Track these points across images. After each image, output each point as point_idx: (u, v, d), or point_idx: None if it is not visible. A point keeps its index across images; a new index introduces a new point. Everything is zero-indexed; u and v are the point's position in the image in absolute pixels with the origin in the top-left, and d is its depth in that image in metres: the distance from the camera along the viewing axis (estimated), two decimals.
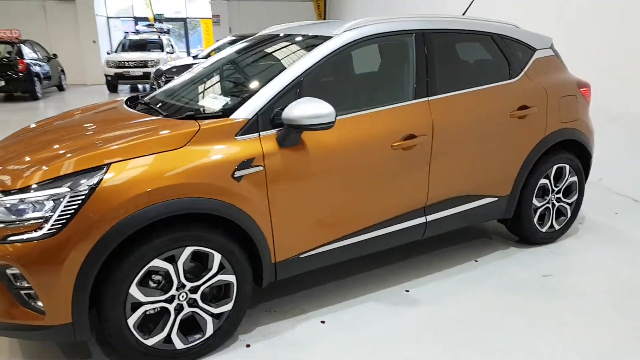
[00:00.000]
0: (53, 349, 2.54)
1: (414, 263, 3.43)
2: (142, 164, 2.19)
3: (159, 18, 18.99)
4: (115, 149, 2.22)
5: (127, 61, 14.13)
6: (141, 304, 2.26)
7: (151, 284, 2.30)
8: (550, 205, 3.65)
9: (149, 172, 2.18)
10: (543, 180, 3.54)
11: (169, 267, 2.28)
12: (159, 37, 16.02)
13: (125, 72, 14.08)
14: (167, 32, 17.77)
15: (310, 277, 3.22)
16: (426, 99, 2.96)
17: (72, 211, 2.06)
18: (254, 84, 2.71)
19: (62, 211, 2.05)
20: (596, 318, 2.79)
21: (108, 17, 18.22)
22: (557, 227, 3.73)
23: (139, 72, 14.06)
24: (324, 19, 18.56)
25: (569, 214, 3.77)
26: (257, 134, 2.45)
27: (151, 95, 3.27)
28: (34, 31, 15.75)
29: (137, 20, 19.39)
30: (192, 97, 2.98)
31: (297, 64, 2.64)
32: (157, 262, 2.24)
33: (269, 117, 2.49)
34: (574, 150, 3.68)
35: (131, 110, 2.88)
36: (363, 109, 2.82)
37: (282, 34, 3.27)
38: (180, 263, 2.29)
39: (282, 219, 2.52)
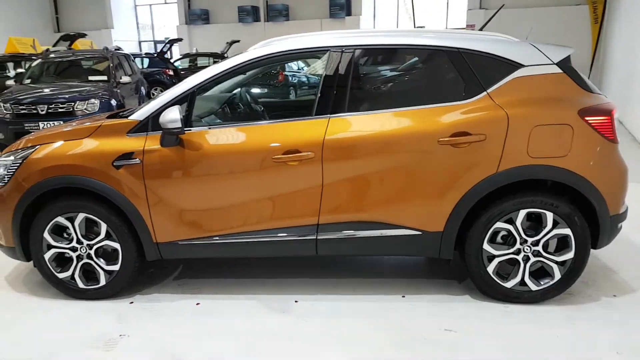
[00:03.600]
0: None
1: (339, 282, 3.36)
2: (55, 147, 3.08)
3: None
4: (47, 135, 3.19)
5: None
6: (52, 246, 3.15)
7: (65, 235, 3.17)
8: (520, 258, 2.96)
9: (56, 152, 3.05)
10: (501, 225, 2.92)
11: (68, 224, 3.10)
12: None
13: None
14: None
15: (239, 267, 3.58)
16: (327, 117, 2.94)
17: (12, 174, 3.09)
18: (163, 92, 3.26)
19: (7, 172, 3.10)
20: None
21: None
22: (533, 287, 2.98)
23: None
24: (601, 24, 16.13)
25: (558, 275, 2.96)
26: (146, 133, 3.02)
27: None
28: None
29: None
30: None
31: (197, 75, 3.07)
32: (60, 219, 3.10)
33: None
34: (569, 196, 2.89)
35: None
36: (255, 121, 3.04)
37: None
38: (76, 223, 3.09)
39: (159, 206, 3.03)
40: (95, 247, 3.13)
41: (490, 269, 3.00)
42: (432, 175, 2.89)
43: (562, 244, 2.96)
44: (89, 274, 3.21)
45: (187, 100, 3.03)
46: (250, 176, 2.96)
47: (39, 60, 8.78)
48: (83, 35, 12.74)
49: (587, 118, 2.82)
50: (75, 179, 3.02)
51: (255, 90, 3.60)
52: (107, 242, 3.12)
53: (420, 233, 2.98)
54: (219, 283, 3.41)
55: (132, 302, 3.19)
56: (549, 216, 2.89)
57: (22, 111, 7.22)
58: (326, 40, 3.04)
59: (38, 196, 3.07)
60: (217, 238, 3.06)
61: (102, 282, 3.19)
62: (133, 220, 3.04)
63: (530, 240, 2.94)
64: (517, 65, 2.91)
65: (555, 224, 2.90)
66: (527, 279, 2.99)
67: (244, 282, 3.41)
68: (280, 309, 3.05)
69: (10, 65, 11.18)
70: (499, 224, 2.93)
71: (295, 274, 3.50)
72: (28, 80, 8.31)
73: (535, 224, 2.96)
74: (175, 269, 3.65)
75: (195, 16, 21.21)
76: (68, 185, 3.04)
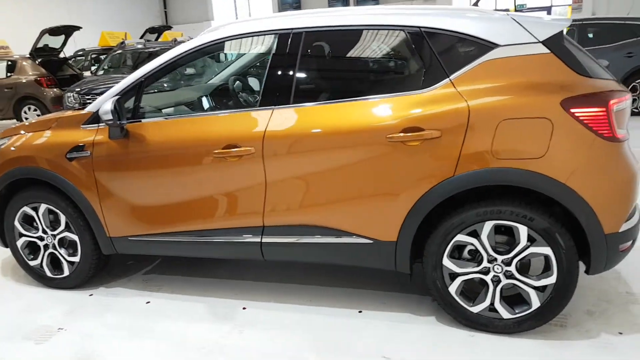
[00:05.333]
0: None
1: (299, 288, 3.08)
2: (21, 139, 3.15)
3: (520, 9, 18.22)
4: (19, 126, 3.26)
5: None
6: (22, 234, 3.25)
7: (35, 224, 3.25)
8: (489, 279, 2.47)
9: (20, 144, 3.13)
10: (463, 238, 2.45)
11: (34, 214, 3.17)
12: None
13: None
14: None
15: (212, 264, 3.45)
16: (271, 108, 2.66)
17: None
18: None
19: None
20: None
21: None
22: (505, 315, 2.47)
23: None
24: None
25: (537, 303, 2.42)
26: (97, 125, 2.97)
27: None
28: None
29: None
30: None
31: (146, 65, 2.94)
32: (26, 209, 3.18)
33: None
34: (558, 209, 2.34)
35: None
36: (201, 112, 2.86)
37: None
38: (40, 214, 3.15)
39: (108, 200, 2.97)
40: (58, 237, 3.17)
41: (453, 288, 2.53)
42: (382, 176, 2.49)
43: (546, 265, 2.42)
44: (57, 263, 3.27)
45: (135, 90, 2.92)
46: (191, 172, 2.78)
47: (115, 53, 9.37)
48: (168, 28, 13.41)
49: (573, 110, 2.24)
50: (33, 170, 3.06)
51: (222, 80, 3.39)
52: (66, 233, 3.14)
53: (371, 242, 2.60)
54: (183, 281, 3.30)
55: (91, 295, 3.20)
56: (522, 231, 2.36)
57: (88, 101, 7.74)
58: (275, 22, 2.74)
59: (13, 185, 3.17)
60: (164, 236, 2.93)
61: (66, 272, 3.22)
62: (86, 213, 3.02)
63: (500, 258, 2.43)
64: (491, 46, 2.39)
65: (531, 241, 2.37)
66: (497, 304, 2.48)
67: (208, 282, 3.26)
68: (223, 316, 2.85)
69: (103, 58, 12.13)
70: (461, 237, 2.45)
71: (259, 276, 3.28)
72: (101, 72, 8.91)
73: (511, 238, 2.44)
74: (150, 262, 3.61)
75: (287, 5, 21.47)
76: (29, 177, 3.10)
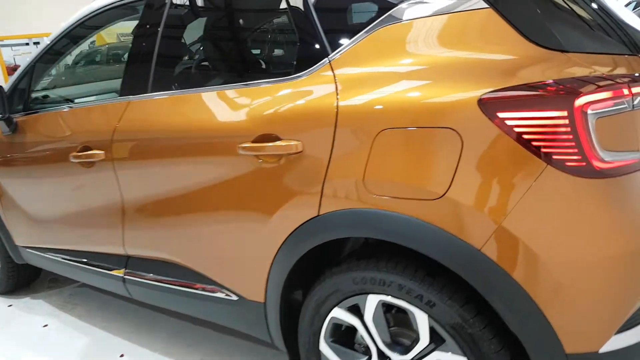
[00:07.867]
0: None
1: (210, 336, 2.39)
2: None
3: None
4: None
5: None
6: None
7: None
8: None
9: None
10: (341, 314, 1.53)
11: None
12: None
13: None
14: None
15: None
16: (127, 99, 2.00)
17: None
18: None
19: None
20: None
21: None
22: None
23: None
24: None
25: None
26: None
27: None
28: None
29: None
30: None
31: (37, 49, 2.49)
32: None
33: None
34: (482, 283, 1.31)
35: None
36: (73, 104, 2.36)
37: None
38: None
39: (7, 205, 2.62)
40: None
41: None
42: (238, 205, 1.68)
43: None
44: None
45: (28, 78, 2.49)
46: (53, 178, 2.32)
47: None
48: None
49: (501, 114, 1.17)
50: None
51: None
52: None
53: (236, 299, 1.80)
54: (101, 302, 2.83)
55: (10, 306, 2.91)
56: (421, 320, 1.37)
57: None
58: None
59: None
60: (47, 252, 2.50)
61: None
62: None
63: (395, 357, 1.46)
64: (388, 6, 1.42)
65: (437, 341, 1.36)
66: None
67: (123, 307, 2.74)
68: None
69: None
70: (338, 313, 1.54)
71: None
72: None
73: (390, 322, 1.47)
74: None
75: None
76: None
